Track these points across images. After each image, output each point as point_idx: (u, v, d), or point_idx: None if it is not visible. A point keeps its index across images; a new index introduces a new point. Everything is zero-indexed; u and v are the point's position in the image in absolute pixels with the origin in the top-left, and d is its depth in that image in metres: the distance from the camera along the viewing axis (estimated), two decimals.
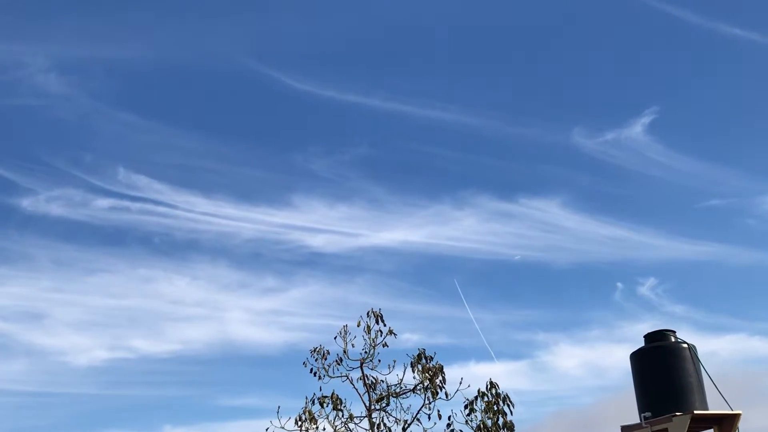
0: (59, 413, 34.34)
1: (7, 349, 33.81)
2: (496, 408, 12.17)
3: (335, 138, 36.89)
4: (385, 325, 12.91)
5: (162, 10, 35.02)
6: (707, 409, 10.95)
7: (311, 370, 12.94)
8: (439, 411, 12.43)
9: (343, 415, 12.57)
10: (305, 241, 35.87)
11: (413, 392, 12.70)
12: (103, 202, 34.46)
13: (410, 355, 12.70)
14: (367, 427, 12.63)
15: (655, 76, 36.07)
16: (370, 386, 12.83)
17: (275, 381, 34.58)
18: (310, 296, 35.82)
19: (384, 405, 12.74)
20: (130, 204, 34.67)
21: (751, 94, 35.02)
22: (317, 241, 35.94)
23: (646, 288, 34.60)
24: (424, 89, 35.81)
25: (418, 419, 12.56)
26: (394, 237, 35.91)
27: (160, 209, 34.80)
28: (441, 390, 12.53)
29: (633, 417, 12.23)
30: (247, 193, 37.43)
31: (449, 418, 12.43)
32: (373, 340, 12.89)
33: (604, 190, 36.49)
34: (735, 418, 10.83)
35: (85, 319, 35.32)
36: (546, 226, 35.26)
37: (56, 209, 34.17)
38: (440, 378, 12.57)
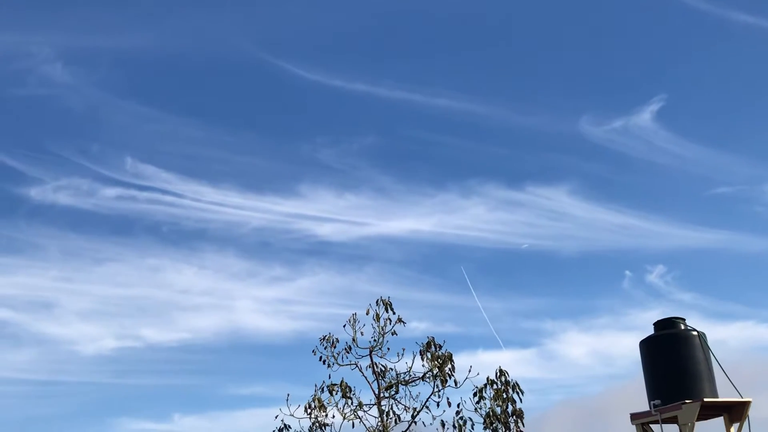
0: (68, 402, 34.58)
1: (16, 338, 34.02)
2: (505, 396, 12.19)
3: (342, 127, 36.97)
4: (394, 313, 12.98)
5: (169, 0, 35.01)
6: (717, 397, 10.97)
7: (320, 358, 13.01)
8: (448, 398, 12.51)
9: (352, 403, 12.64)
10: (313, 230, 36.02)
11: (422, 380, 12.74)
12: (111, 192, 34.63)
13: (419, 343, 12.76)
14: (377, 414, 12.67)
15: (664, 63, 35.95)
16: (379, 374, 12.87)
17: (283, 369, 34.77)
18: (318, 285, 35.97)
19: (393, 393, 12.79)
20: (137, 193, 34.84)
21: (760, 82, 34.86)
22: (325, 230, 36.09)
23: (654, 275, 34.61)
24: (431, 78, 35.82)
25: (427, 407, 12.61)
26: (401, 226, 36.01)
27: (168, 198, 34.95)
28: (450, 378, 12.57)
29: (642, 405, 12.25)
30: (254, 183, 37.56)
31: (458, 405, 12.50)
32: (382, 328, 12.93)
33: (612, 178, 36.47)
34: (745, 405, 10.85)
35: (93, 308, 35.52)
36: (553, 215, 35.29)
37: (64, 199, 34.35)
38: (449, 366, 12.59)
